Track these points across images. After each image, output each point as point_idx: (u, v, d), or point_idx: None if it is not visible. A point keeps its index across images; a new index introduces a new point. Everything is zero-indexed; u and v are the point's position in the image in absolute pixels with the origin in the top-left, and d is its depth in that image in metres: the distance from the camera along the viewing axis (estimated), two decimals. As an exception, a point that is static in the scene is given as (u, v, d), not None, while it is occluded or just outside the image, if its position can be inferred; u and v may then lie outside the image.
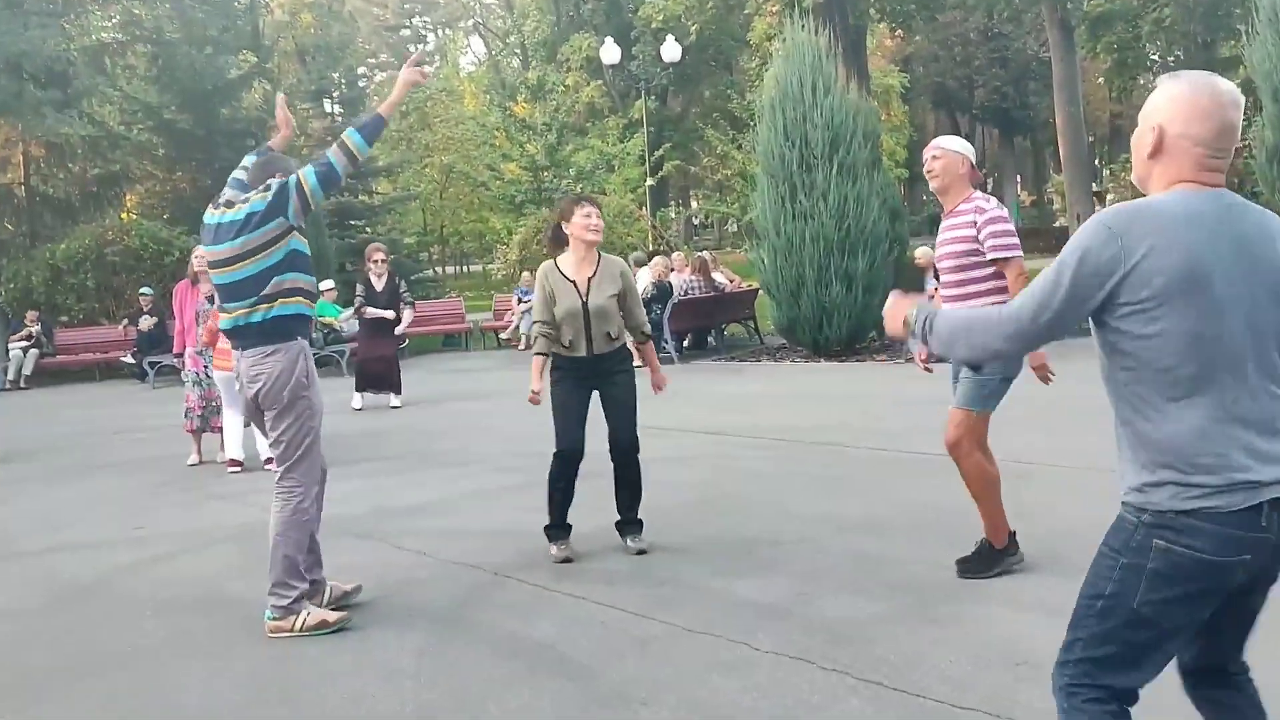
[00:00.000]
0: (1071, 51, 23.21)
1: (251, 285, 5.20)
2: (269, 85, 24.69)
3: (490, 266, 37.12)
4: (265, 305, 5.20)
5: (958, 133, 59.19)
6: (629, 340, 6.43)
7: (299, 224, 5.25)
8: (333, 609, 5.45)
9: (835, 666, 4.46)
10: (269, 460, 9.57)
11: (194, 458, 10.25)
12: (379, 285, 13.23)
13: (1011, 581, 5.42)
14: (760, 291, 16.95)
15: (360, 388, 13.39)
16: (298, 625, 5.24)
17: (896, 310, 2.97)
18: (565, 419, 6.21)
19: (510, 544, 6.56)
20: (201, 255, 10.51)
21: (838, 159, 15.14)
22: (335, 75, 26.82)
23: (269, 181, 5.26)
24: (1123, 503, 2.65)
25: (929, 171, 5.60)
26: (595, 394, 6.30)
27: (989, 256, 5.38)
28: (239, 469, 9.69)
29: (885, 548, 6.09)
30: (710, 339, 18.06)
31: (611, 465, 6.40)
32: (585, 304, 6.12)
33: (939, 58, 52.08)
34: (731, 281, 18.35)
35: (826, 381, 13.46)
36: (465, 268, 57.92)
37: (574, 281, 6.18)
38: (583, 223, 6.18)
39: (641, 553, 6.24)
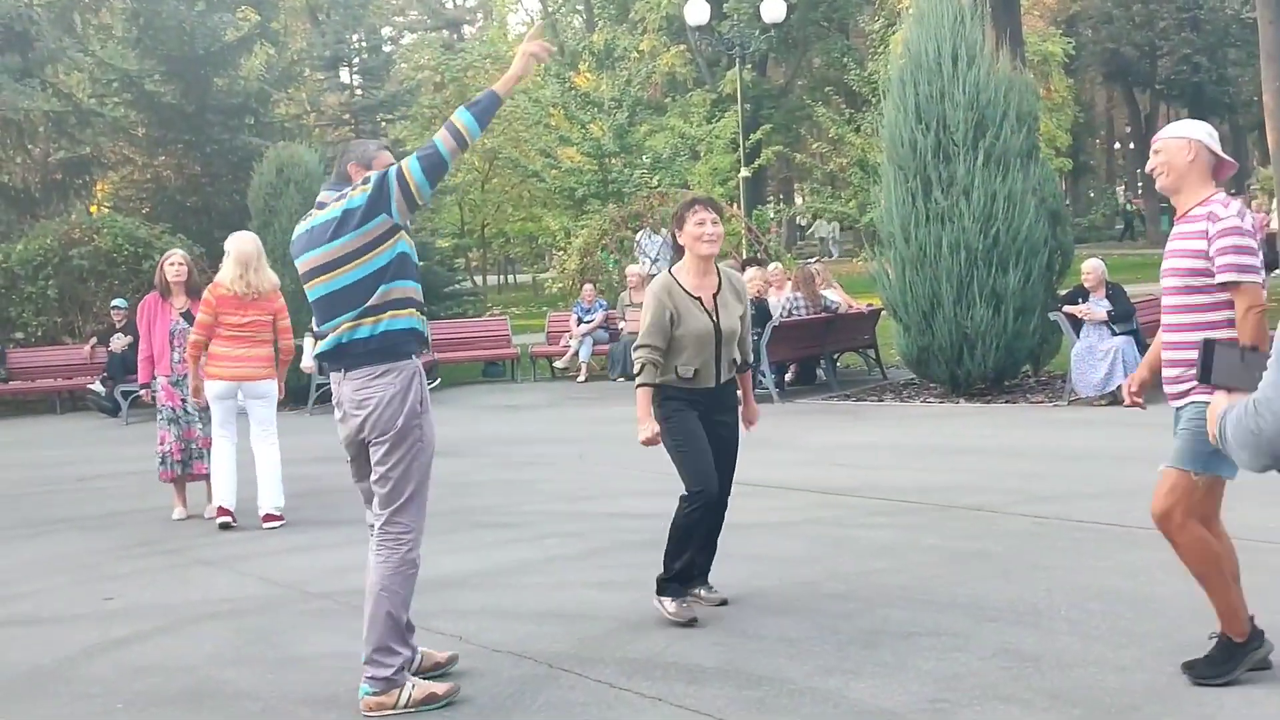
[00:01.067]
0: (1286, 12, 22.89)
1: (355, 294, 5.41)
2: (273, 50, 25.12)
3: (544, 277, 37.33)
4: (373, 319, 5.42)
5: (1137, 113, 58.91)
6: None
7: (404, 223, 5.50)
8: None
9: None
10: (268, 516, 9.72)
11: (179, 511, 10.43)
12: None
13: (1215, 690, 5.33)
14: (883, 313, 16.89)
15: None
16: (402, 700, 5.43)
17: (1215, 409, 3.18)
18: (697, 455, 6.51)
19: (569, 629, 6.59)
20: (177, 261, 10.73)
21: (984, 147, 15.06)
22: (354, 38, 27.18)
23: (368, 175, 5.48)
24: None
25: (1152, 169, 5.55)
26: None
27: (1217, 279, 5.27)
28: (230, 521, 9.83)
29: (1045, 644, 6.02)
30: (819, 372, 18.03)
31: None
32: (717, 325, 6.45)
33: (1113, 18, 51.71)
34: (846, 301, 18.32)
35: (967, 428, 13.38)
36: (512, 278, 58.37)
37: (699, 299, 6.45)
38: (695, 231, 6.46)
39: (724, 603, 6.67)
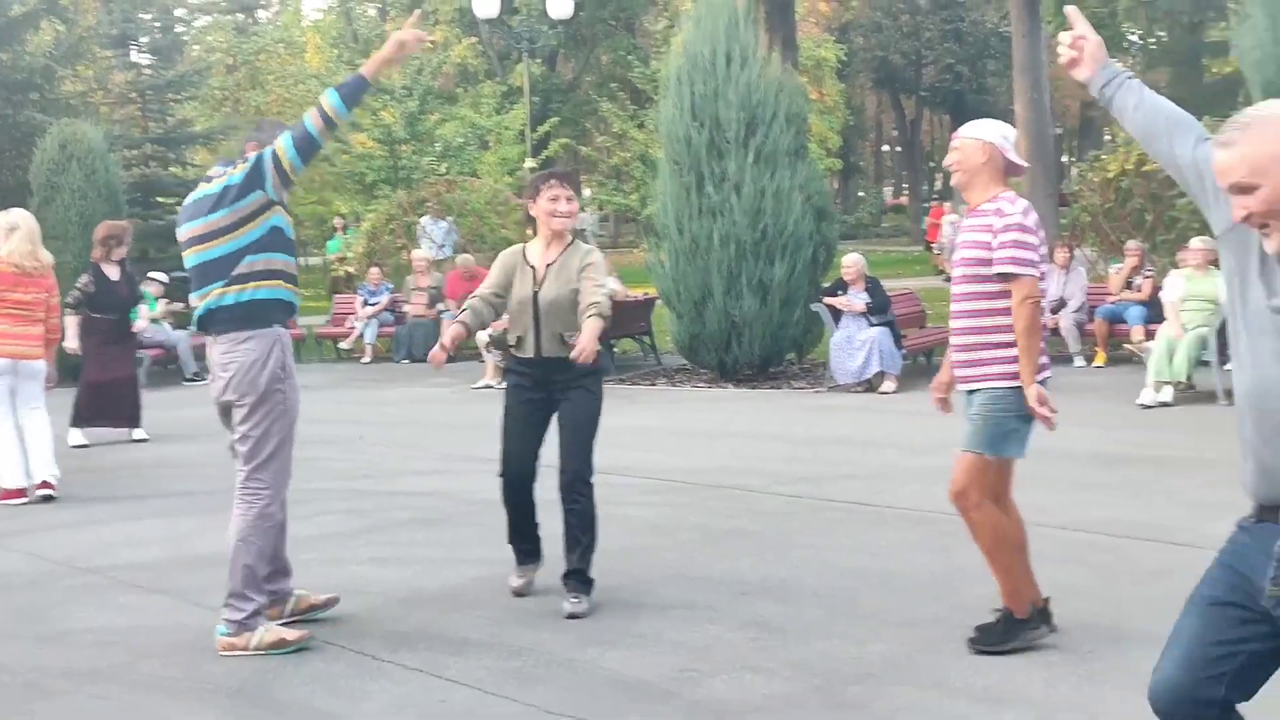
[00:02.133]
0: (1037, 28, 23.67)
1: (226, 265, 5.68)
2: (61, 26, 24.17)
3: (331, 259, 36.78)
4: (238, 287, 5.67)
5: (903, 118, 60.37)
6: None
7: (279, 198, 5.76)
8: (296, 623, 5.97)
9: (723, 760, 4.52)
10: (44, 484, 9.40)
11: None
12: (115, 275, 12.08)
13: (946, 660, 5.51)
14: (658, 302, 17.03)
15: (82, 420, 12.26)
16: (252, 643, 5.66)
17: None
18: (506, 439, 6.53)
19: (340, 604, 6.47)
20: None
21: (754, 145, 15.29)
22: (146, 17, 26.36)
23: (248, 154, 5.74)
24: None
25: (949, 164, 5.69)
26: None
27: (995, 269, 5.41)
28: (53, 493, 9.55)
29: (791, 617, 6.15)
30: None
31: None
32: (537, 294, 6.29)
33: (882, 27, 52.89)
34: (623, 290, 18.39)
35: (734, 412, 13.58)
36: (303, 260, 57.27)
37: (533, 268, 6.38)
38: (548, 206, 6.38)
39: (574, 617, 6.20)
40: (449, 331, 6.39)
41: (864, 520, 8.17)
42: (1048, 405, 5.38)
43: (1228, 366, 13.75)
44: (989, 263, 5.44)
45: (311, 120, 5.60)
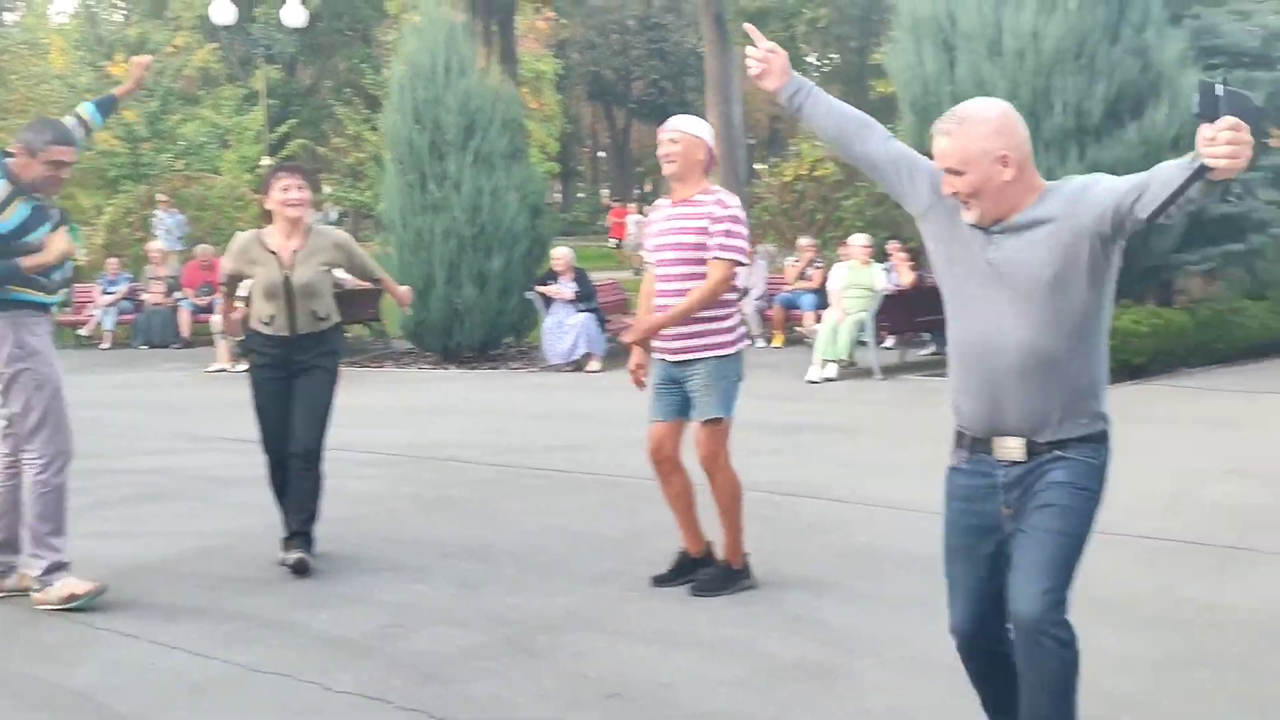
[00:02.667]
0: (727, 48, 24.26)
1: None
2: None
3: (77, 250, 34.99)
4: None
5: (612, 126, 60.85)
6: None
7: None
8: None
9: (415, 706, 4.45)
10: None
11: None
12: None
13: (625, 609, 5.56)
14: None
15: None
16: (52, 597, 5.56)
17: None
18: (263, 419, 6.37)
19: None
20: None
21: (473, 147, 15.20)
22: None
23: (12, 150, 5.57)
24: (1077, 438, 3.36)
25: (665, 155, 5.59)
26: None
27: (713, 254, 5.45)
28: None
29: (490, 575, 6.12)
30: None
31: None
32: (288, 278, 6.18)
33: (596, 45, 53.19)
34: (352, 279, 18.04)
35: (454, 391, 13.47)
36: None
37: (277, 255, 6.22)
38: (280, 197, 6.24)
39: (301, 566, 6.08)
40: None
41: (562, 486, 8.20)
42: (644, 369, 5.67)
43: (885, 345, 14.36)
44: (705, 247, 5.48)
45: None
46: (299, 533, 6.24)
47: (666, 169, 5.67)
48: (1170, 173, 3.02)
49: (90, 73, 33.27)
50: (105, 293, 19.01)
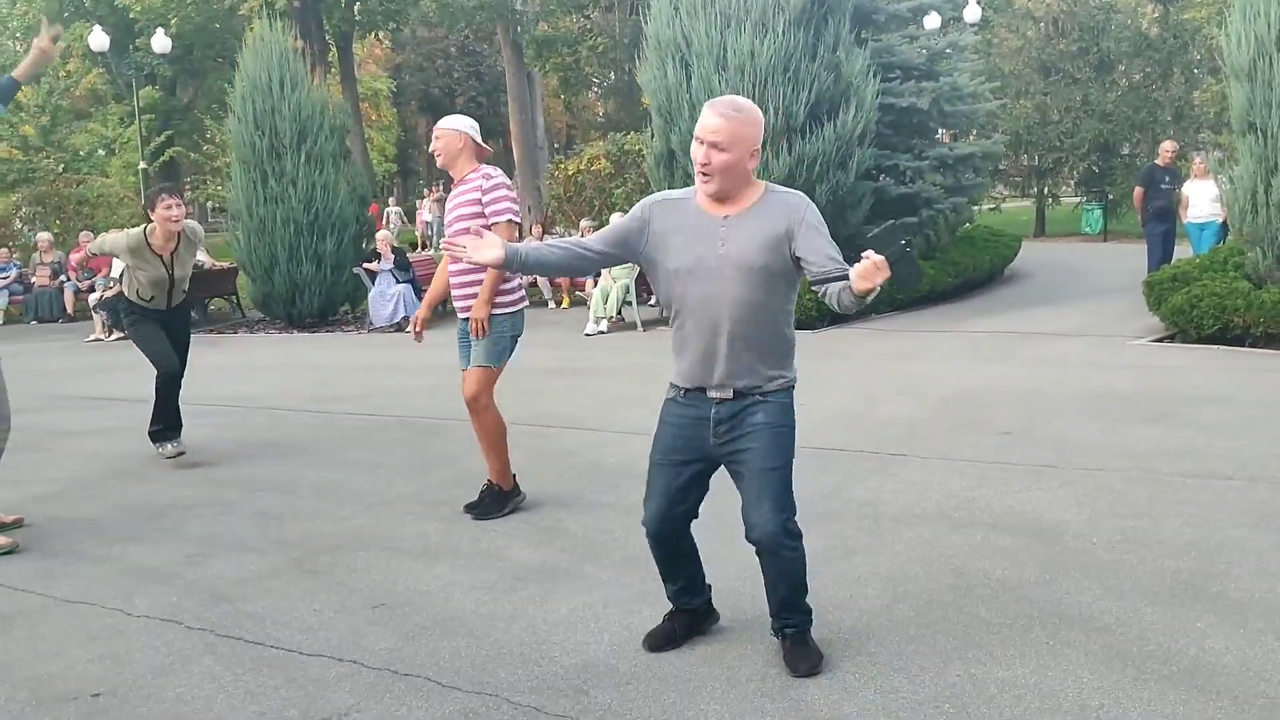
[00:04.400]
0: (523, 69, 23.75)
1: None
2: None
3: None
4: None
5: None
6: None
7: None
8: None
9: (202, 625, 4.04)
10: None
11: None
12: None
13: (402, 529, 5.20)
14: (240, 270, 15.86)
15: None
16: None
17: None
18: (157, 344, 6.67)
19: None
20: None
21: (305, 149, 14.42)
22: None
23: None
24: (773, 389, 3.35)
25: (433, 150, 5.35)
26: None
27: (490, 220, 5.13)
28: None
29: (289, 506, 5.69)
30: (194, 314, 16.66)
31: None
32: (171, 274, 6.63)
33: (424, 68, 51.73)
34: (211, 261, 17.01)
35: (293, 352, 12.77)
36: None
37: (162, 257, 6.55)
38: (164, 214, 6.42)
39: (180, 454, 6.72)
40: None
41: (369, 427, 7.75)
42: (482, 326, 5.20)
43: (651, 303, 14.19)
44: (483, 215, 5.17)
45: None
46: (175, 427, 6.82)
47: (438, 161, 5.39)
48: (838, 269, 3.20)
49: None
50: (-3, 277, 17.58)
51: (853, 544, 4.70)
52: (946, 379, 8.57)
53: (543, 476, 5.96)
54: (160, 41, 24.69)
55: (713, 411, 3.35)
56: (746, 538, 3.38)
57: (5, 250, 18.20)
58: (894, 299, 12.80)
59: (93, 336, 14.37)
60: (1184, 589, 4.02)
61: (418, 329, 5.64)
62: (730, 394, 3.33)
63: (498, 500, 5.39)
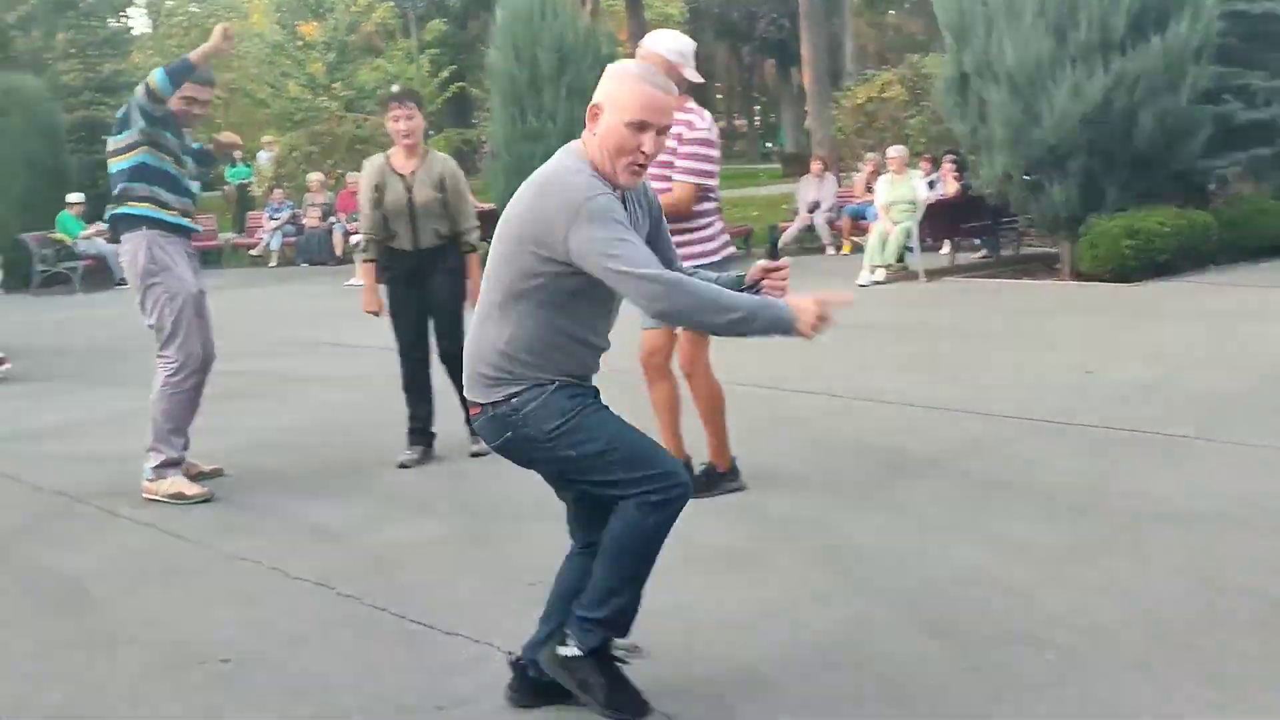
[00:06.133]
0: (818, -15, 23.26)
1: (113, 182, 5.53)
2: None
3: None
4: (114, 204, 5.54)
5: (739, 63, 59.40)
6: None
7: (148, 140, 5.47)
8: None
9: (352, 593, 4.17)
10: None
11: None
12: None
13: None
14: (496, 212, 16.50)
15: None
16: (161, 490, 5.43)
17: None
18: (401, 323, 6.02)
19: (121, 468, 5.92)
20: None
21: (566, 80, 14.73)
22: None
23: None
24: None
25: None
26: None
27: (674, 176, 4.88)
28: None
29: (485, 469, 5.75)
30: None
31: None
32: (411, 197, 5.85)
33: (722, -12, 51.74)
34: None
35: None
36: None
37: (402, 175, 5.90)
38: (392, 126, 5.93)
39: (478, 455, 5.86)
40: (368, 279, 6.12)
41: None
42: None
43: (942, 251, 13.62)
44: (672, 165, 4.89)
45: (140, 90, 5.42)
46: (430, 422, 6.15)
47: None
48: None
49: (281, 31, 33.48)
50: (271, 219, 19.16)
51: (1097, 544, 4.26)
52: (1282, 347, 7.70)
53: (758, 446, 5.77)
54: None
55: (596, 394, 3.09)
56: None
57: (280, 191, 19.77)
58: (1239, 247, 11.64)
59: (352, 280, 15.33)
60: None
61: None
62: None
63: (708, 482, 5.11)
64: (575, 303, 2.92)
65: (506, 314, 2.91)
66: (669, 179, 4.98)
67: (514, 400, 2.94)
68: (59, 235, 16.60)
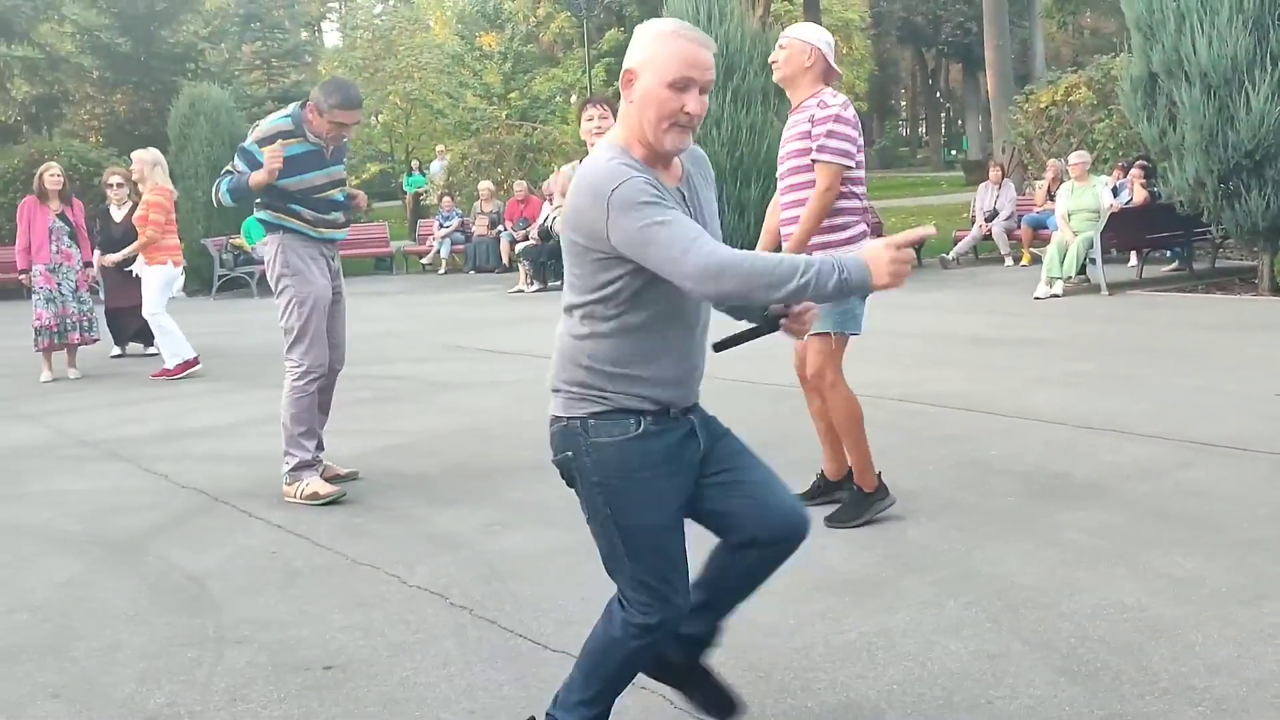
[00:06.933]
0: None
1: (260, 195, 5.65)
2: (207, 8, 23.86)
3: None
4: (256, 212, 5.70)
5: (923, 68, 58.22)
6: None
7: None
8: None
9: (465, 603, 4.13)
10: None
11: (46, 374, 9.88)
12: (118, 217, 10.83)
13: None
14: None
15: (117, 340, 11.35)
16: (296, 492, 5.53)
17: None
18: None
19: (263, 469, 6.08)
20: (56, 172, 10.15)
21: (731, 87, 14.62)
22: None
23: (307, 114, 5.67)
24: None
25: (772, 61, 4.91)
26: None
27: (811, 157, 4.67)
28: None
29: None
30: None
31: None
32: None
33: (906, -7, 50.87)
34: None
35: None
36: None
37: None
38: (586, 127, 5.85)
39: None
40: None
41: (738, 394, 7.64)
42: None
43: (1130, 264, 12.97)
44: (809, 152, 4.70)
45: (216, 190, 5.66)
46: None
47: (775, 75, 4.91)
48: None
49: (458, 41, 34.41)
50: (441, 226, 19.59)
51: (1270, 585, 3.90)
52: None
53: (907, 466, 5.54)
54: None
55: (692, 427, 2.77)
56: (781, 538, 2.83)
57: (449, 199, 20.22)
58: None
59: (516, 288, 15.57)
60: None
61: None
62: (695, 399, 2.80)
63: (857, 504, 4.85)
64: (650, 307, 2.65)
65: (585, 321, 2.73)
66: (799, 185, 4.80)
67: (591, 421, 2.72)
68: (238, 240, 17.29)
